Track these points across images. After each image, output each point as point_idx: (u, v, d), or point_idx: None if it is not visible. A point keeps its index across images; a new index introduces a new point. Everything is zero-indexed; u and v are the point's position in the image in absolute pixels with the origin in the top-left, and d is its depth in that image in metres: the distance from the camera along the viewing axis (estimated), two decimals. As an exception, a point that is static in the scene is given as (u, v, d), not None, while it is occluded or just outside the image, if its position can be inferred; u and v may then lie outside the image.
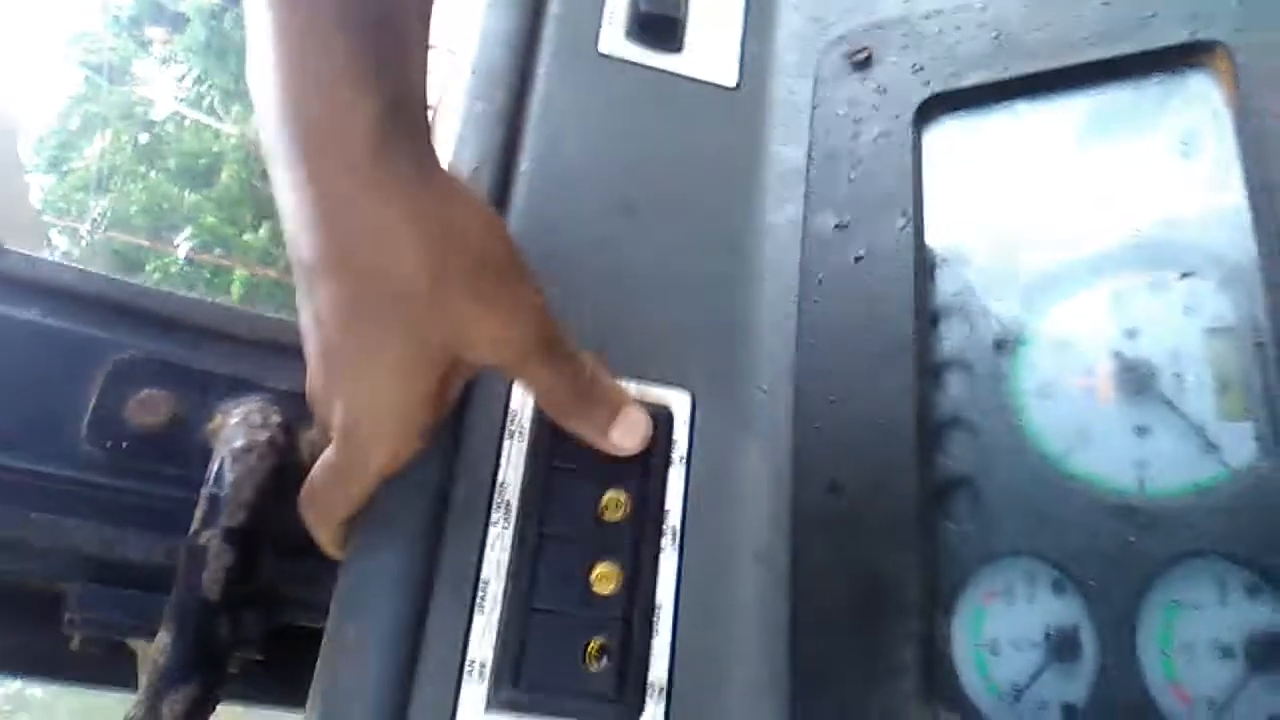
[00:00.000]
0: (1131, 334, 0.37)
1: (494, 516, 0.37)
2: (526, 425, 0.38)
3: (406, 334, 0.31)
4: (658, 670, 0.35)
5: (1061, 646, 0.33)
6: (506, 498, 0.37)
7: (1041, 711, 0.33)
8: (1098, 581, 0.34)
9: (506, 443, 0.38)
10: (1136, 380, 0.36)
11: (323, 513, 0.35)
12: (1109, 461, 0.35)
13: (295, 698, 0.43)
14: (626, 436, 0.36)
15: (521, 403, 0.39)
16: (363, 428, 0.33)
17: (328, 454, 0.35)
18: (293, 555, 0.42)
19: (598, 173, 0.44)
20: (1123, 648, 0.33)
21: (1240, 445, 0.34)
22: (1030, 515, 0.35)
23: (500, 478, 0.38)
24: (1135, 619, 0.33)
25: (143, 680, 0.34)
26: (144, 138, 7.63)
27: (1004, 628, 0.34)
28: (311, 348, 0.33)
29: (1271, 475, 0.33)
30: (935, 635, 0.34)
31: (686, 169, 0.44)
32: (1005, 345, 0.38)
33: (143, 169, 7.41)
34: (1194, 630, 0.33)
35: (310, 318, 0.32)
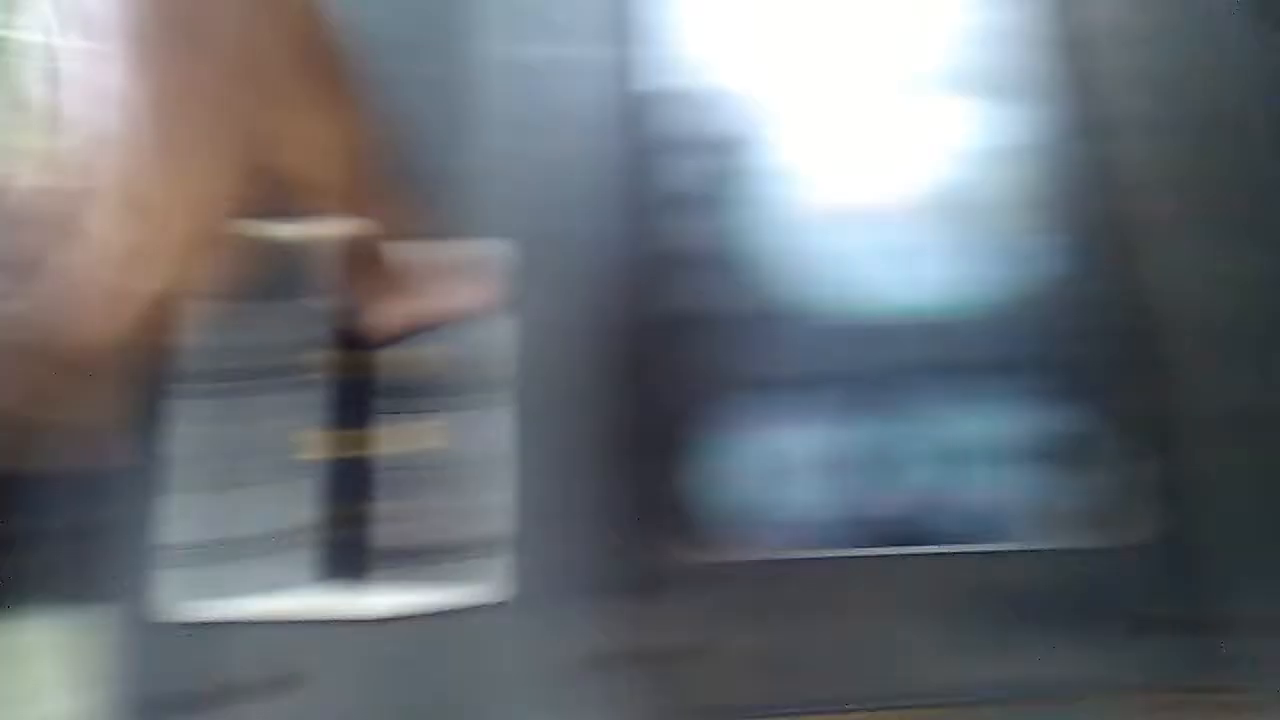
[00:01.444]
0: (885, 158, 0.36)
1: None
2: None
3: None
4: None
5: (851, 466, 0.33)
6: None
7: (847, 529, 0.33)
8: (842, 401, 0.33)
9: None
10: (888, 204, 0.35)
11: None
12: (855, 285, 0.35)
13: None
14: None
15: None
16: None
17: None
18: None
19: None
20: (919, 461, 0.33)
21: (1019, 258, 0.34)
22: (770, 343, 0.34)
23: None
24: (927, 431, 0.33)
25: None
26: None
27: (738, 454, 0.33)
28: None
29: (1065, 282, 0.33)
30: (668, 470, 0.33)
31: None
32: (741, 172, 0.37)
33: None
34: (993, 437, 0.33)
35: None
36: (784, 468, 0.33)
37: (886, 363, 0.34)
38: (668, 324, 0.33)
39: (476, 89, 0.37)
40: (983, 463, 0.33)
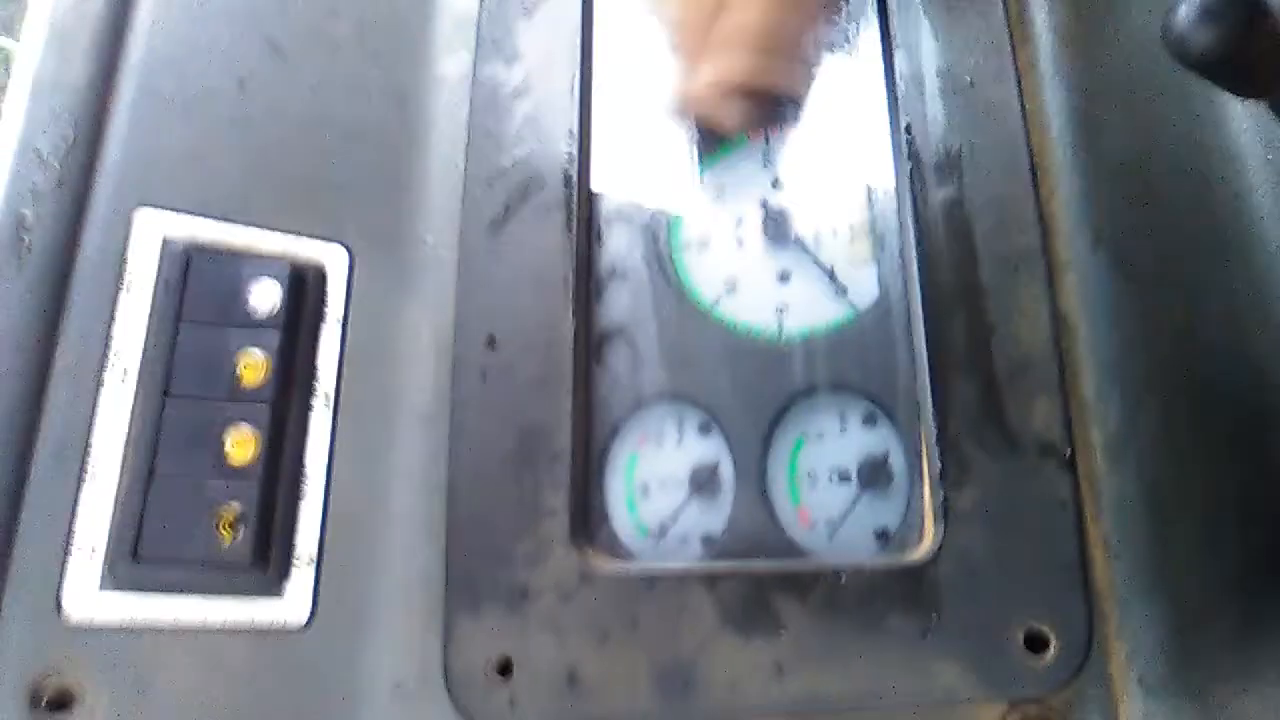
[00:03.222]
0: (776, 184, 0.38)
1: (106, 378, 0.33)
2: (146, 281, 0.34)
3: None
4: (305, 537, 0.34)
5: (703, 482, 0.34)
6: (122, 360, 0.33)
7: (684, 544, 0.34)
8: (736, 419, 0.35)
9: (123, 297, 0.34)
10: (779, 229, 0.37)
11: None
12: (753, 307, 0.36)
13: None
14: None
15: (136, 258, 0.34)
16: None
17: None
18: None
19: (236, 4, 0.39)
20: (755, 479, 0.34)
21: (864, 287, 0.36)
22: (681, 361, 0.36)
23: (114, 336, 0.33)
24: (767, 452, 0.35)
25: None
26: None
27: (654, 470, 0.35)
28: None
29: (889, 313, 0.35)
30: (588, 481, 0.35)
31: (345, 10, 0.40)
32: (665, 197, 0.38)
33: None
34: (816, 458, 0.35)
35: None
36: (673, 482, 0.35)
37: (789, 380, 0.36)
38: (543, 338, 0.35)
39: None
40: (800, 481, 0.35)
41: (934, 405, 0.32)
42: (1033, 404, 0.32)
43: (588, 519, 0.34)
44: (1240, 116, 0.38)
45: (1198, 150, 0.38)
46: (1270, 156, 0.38)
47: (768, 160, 0.38)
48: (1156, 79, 0.38)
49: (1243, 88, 0.29)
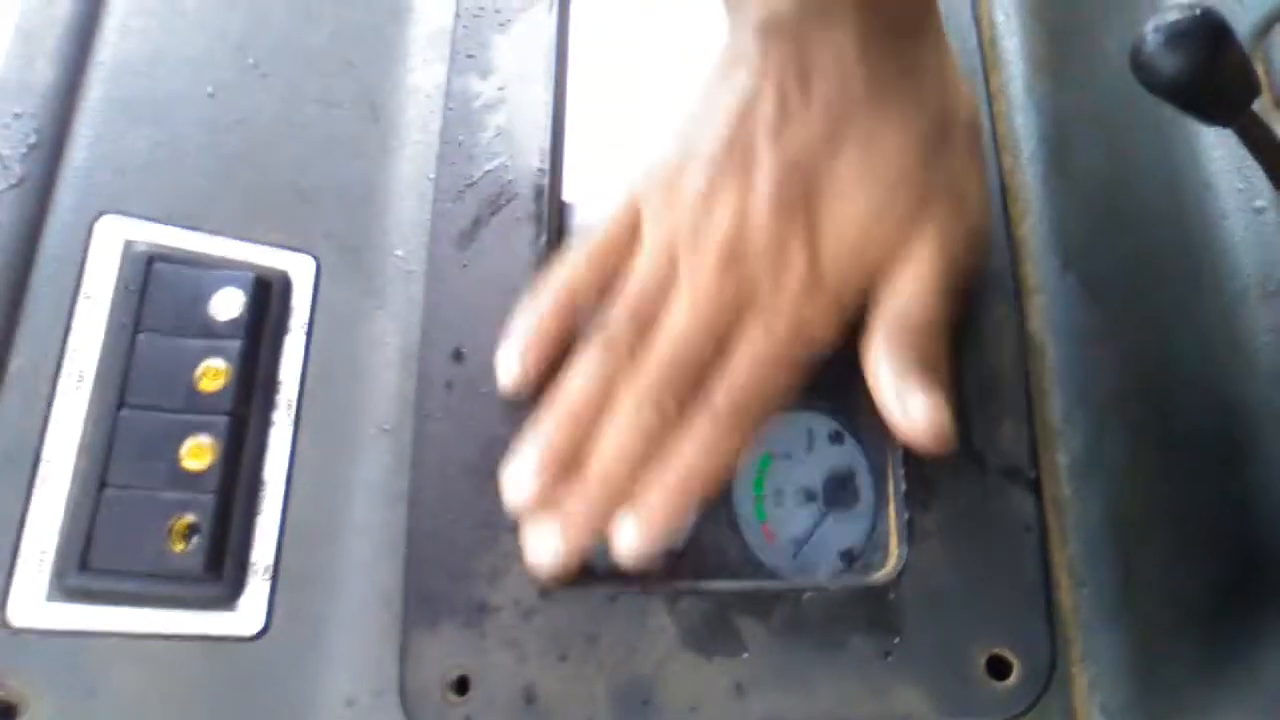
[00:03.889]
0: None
1: (61, 387, 0.32)
2: (105, 288, 0.34)
3: None
4: (262, 548, 0.33)
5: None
6: (79, 367, 0.33)
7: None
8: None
9: (82, 305, 0.33)
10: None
11: None
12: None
13: None
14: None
15: (96, 263, 0.34)
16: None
17: None
18: None
19: (208, 11, 0.39)
20: (720, 495, 0.34)
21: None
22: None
23: (71, 342, 0.33)
24: (733, 469, 0.34)
25: None
26: None
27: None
28: None
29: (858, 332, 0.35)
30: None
31: (320, 20, 0.40)
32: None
33: None
34: (783, 476, 0.34)
35: None
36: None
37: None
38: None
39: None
40: (766, 499, 0.34)
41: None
42: (999, 426, 0.32)
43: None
44: (1213, 143, 0.38)
45: (1169, 176, 0.38)
46: (1241, 184, 0.38)
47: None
48: (1128, 105, 0.39)
49: (1209, 114, 0.29)
